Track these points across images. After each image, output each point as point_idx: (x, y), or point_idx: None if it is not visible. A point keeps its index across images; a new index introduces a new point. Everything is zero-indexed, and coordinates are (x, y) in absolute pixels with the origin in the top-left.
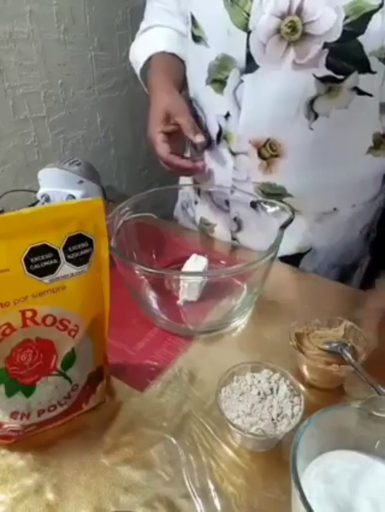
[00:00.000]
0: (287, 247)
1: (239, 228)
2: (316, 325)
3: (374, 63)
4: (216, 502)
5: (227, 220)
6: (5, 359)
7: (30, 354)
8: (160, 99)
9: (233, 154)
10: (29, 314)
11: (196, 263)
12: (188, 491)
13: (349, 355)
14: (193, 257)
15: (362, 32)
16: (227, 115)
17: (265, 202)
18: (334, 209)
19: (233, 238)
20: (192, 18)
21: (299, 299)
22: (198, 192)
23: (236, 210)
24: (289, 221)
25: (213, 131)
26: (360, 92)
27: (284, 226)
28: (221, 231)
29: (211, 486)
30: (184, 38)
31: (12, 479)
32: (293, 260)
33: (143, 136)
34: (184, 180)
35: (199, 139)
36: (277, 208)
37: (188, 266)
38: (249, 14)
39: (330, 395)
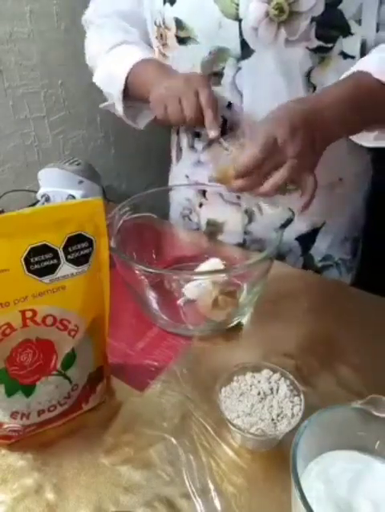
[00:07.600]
0: (304, 224)
1: (250, 220)
2: None
3: (353, 26)
4: (216, 502)
5: (238, 214)
6: (5, 359)
7: (30, 354)
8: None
9: None
10: (29, 314)
11: (210, 264)
12: (188, 491)
13: None
14: (210, 260)
15: (341, 1)
16: (229, 105)
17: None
18: (340, 179)
19: (245, 232)
20: (178, 21)
21: (299, 299)
22: (203, 193)
23: (246, 201)
24: (289, 221)
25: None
26: (345, 56)
27: (284, 226)
28: (232, 228)
29: (211, 486)
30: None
31: (12, 479)
32: (309, 238)
33: (144, 136)
34: (182, 181)
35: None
36: (277, 209)
37: (203, 268)
38: (238, 4)
39: (330, 395)
